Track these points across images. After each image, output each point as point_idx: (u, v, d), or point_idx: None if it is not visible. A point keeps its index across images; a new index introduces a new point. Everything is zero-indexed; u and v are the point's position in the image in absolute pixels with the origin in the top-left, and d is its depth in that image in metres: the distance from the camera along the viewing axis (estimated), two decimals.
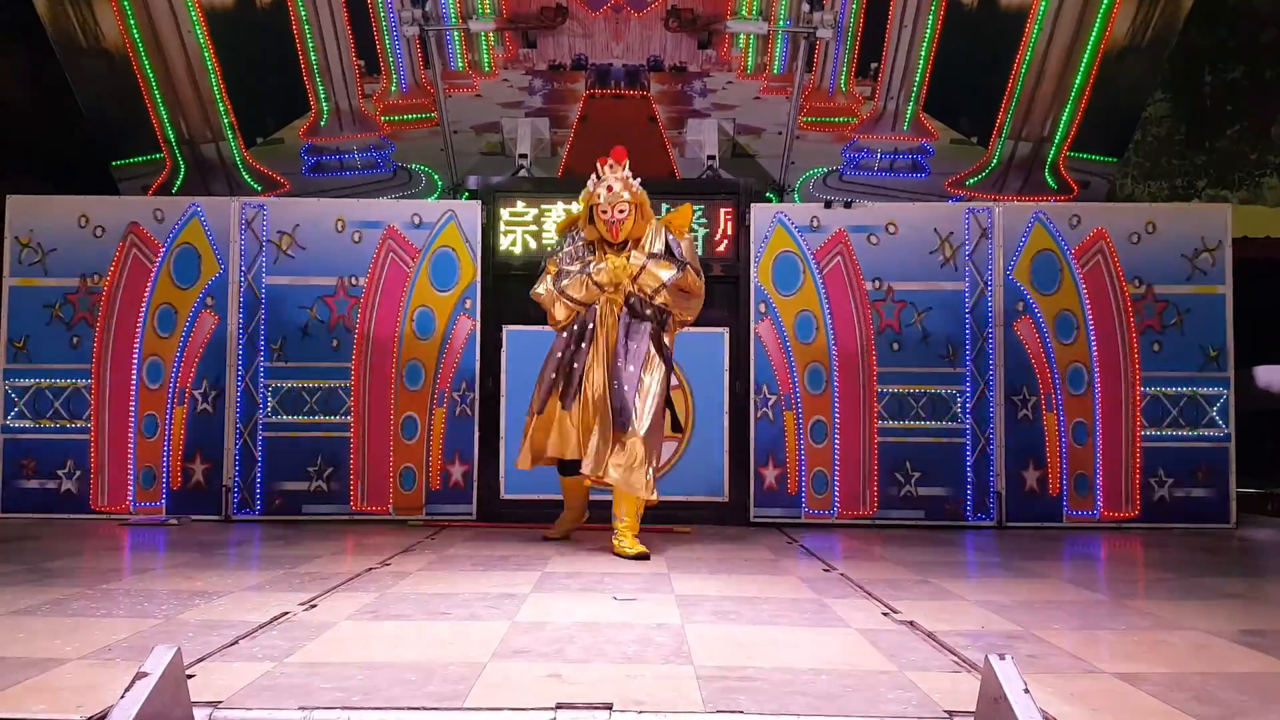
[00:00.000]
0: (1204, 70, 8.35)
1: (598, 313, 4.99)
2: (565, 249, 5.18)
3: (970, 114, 7.17)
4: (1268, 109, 8.31)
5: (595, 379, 4.91)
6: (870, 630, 3.15)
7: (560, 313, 5.06)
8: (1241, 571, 4.88)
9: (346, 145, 7.30)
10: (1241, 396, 6.45)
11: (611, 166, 5.04)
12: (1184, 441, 6.34)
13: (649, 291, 4.91)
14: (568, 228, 5.33)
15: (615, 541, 4.89)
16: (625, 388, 4.78)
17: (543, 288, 5.10)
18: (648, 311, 4.95)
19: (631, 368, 4.82)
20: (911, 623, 3.27)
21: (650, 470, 4.81)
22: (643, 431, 4.76)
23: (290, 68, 6.94)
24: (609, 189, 4.97)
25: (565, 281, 5.01)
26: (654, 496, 4.84)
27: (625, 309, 4.95)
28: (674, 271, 4.91)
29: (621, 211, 4.94)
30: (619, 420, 4.75)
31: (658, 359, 4.93)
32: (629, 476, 4.72)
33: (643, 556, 4.72)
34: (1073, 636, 3.13)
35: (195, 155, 7.17)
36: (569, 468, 5.11)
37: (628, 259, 4.91)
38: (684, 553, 5.01)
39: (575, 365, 4.96)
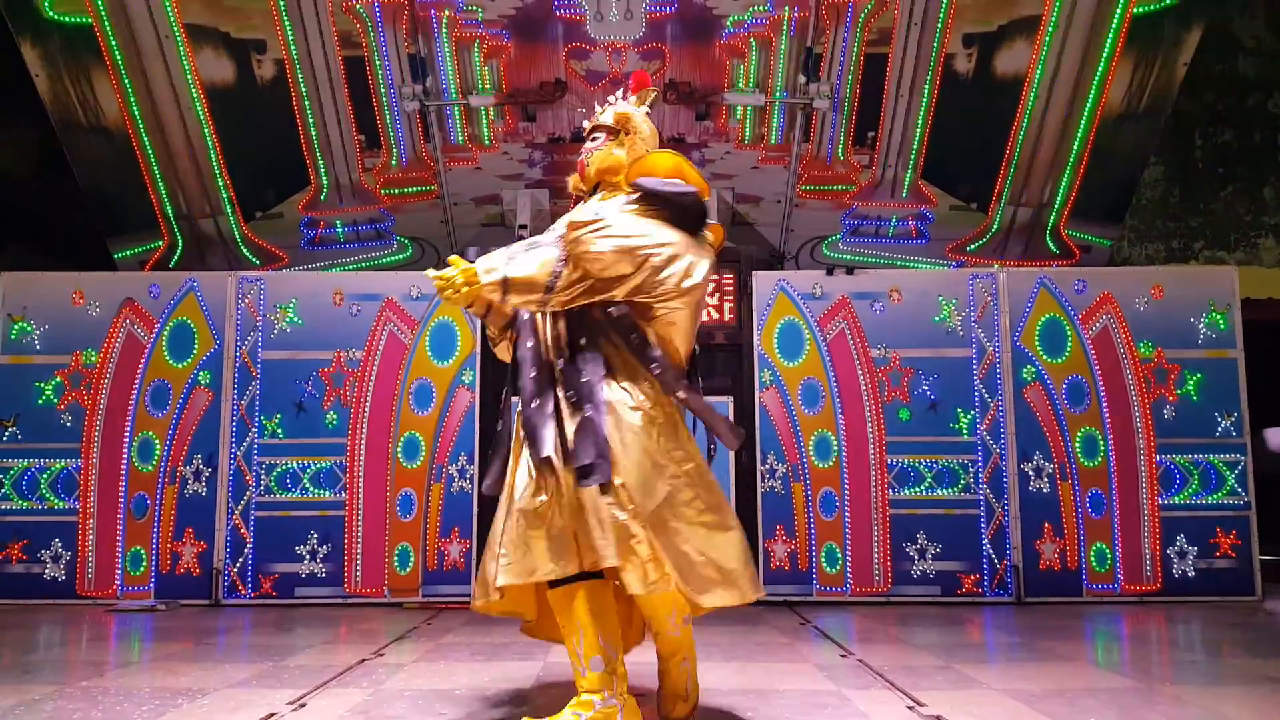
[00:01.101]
0: (1194, 134, 8.39)
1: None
2: None
3: (969, 180, 7.14)
4: (1259, 171, 8.34)
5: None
6: None
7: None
8: (1274, 650, 4.68)
9: (346, 218, 7.24)
10: (1253, 460, 6.32)
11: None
12: (1203, 510, 6.18)
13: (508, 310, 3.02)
14: None
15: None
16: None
17: None
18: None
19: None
20: (939, 717, 3.09)
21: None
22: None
23: (290, 143, 6.91)
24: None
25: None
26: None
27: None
28: (553, 267, 2.84)
29: (594, 139, 3.25)
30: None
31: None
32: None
33: None
34: None
35: (193, 230, 7.11)
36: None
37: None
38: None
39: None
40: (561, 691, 3.51)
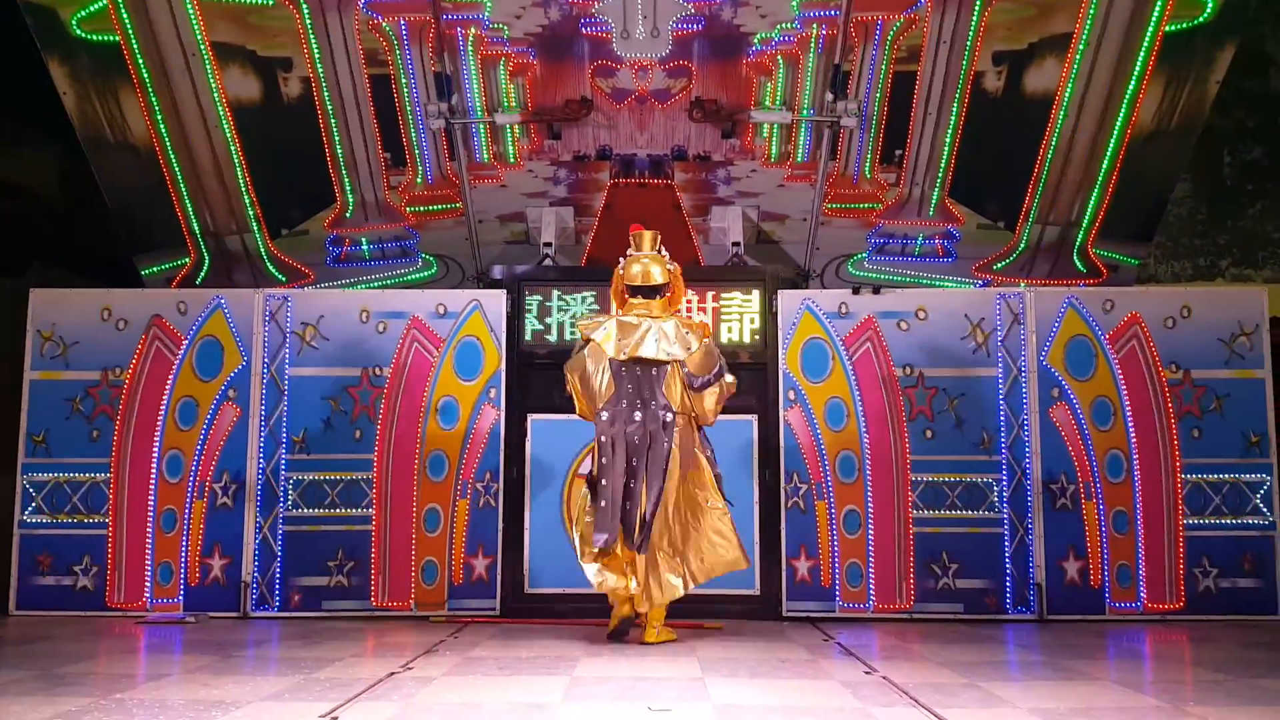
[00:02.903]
0: (1223, 151, 8.36)
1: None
2: None
3: (996, 199, 7.13)
4: None
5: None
6: None
7: None
8: None
9: (372, 235, 7.31)
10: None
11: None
12: (1228, 530, 6.14)
13: None
14: None
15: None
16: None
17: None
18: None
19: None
20: None
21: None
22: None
23: (316, 160, 6.99)
24: None
25: None
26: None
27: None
28: None
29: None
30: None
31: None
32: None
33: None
34: None
35: (220, 247, 7.19)
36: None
37: None
38: (717, 652, 4.82)
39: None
40: (590, 705, 3.53)
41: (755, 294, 6.49)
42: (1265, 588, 6.09)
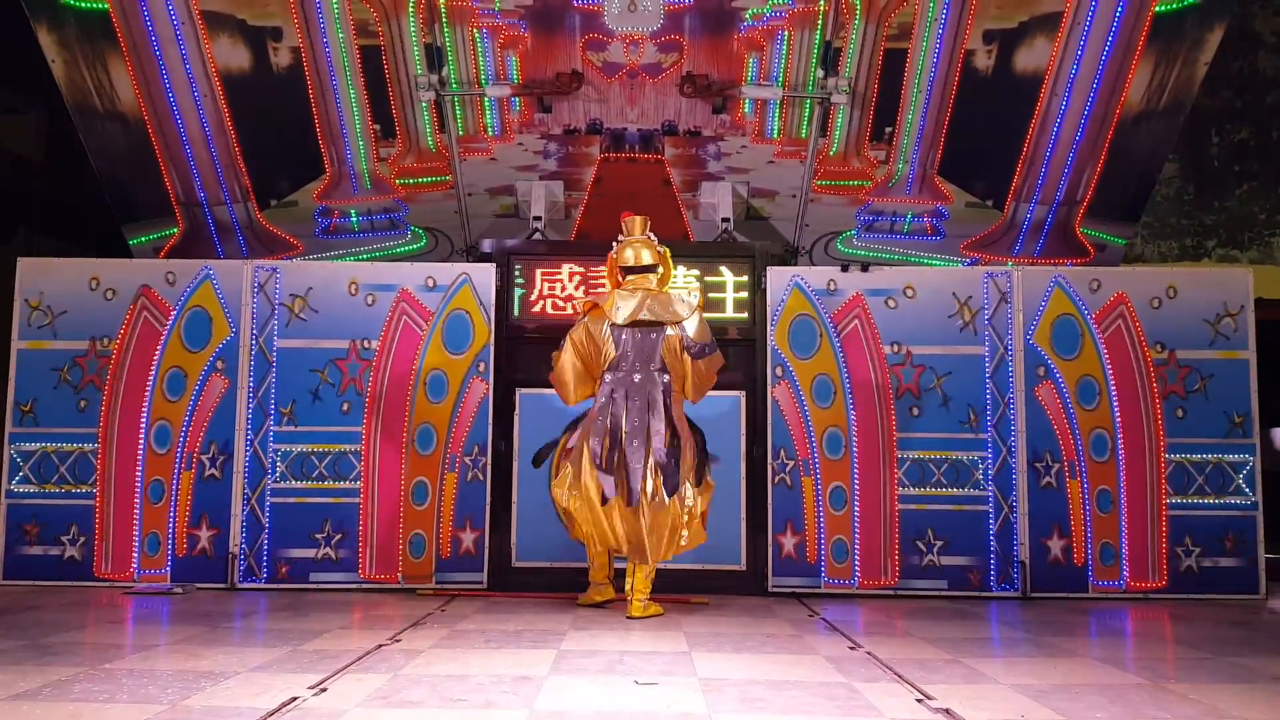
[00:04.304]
0: (1211, 132, 8.38)
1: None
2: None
3: (986, 177, 7.14)
4: (1276, 169, 8.33)
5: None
6: None
7: None
8: (1278, 649, 4.71)
9: (360, 207, 7.28)
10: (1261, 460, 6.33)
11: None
12: (1210, 510, 6.20)
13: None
14: None
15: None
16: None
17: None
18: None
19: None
20: (947, 710, 3.13)
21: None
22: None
23: (305, 131, 6.94)
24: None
25: None
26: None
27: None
28: None
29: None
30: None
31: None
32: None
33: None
34: None
35: (208, 217, 7.15)
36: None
37: None
38: (703, 627, 4.86)
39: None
40: (576, 678, 3.56)
41: (744, 270, 6.50)
42: (1246, 567, 6.16)
